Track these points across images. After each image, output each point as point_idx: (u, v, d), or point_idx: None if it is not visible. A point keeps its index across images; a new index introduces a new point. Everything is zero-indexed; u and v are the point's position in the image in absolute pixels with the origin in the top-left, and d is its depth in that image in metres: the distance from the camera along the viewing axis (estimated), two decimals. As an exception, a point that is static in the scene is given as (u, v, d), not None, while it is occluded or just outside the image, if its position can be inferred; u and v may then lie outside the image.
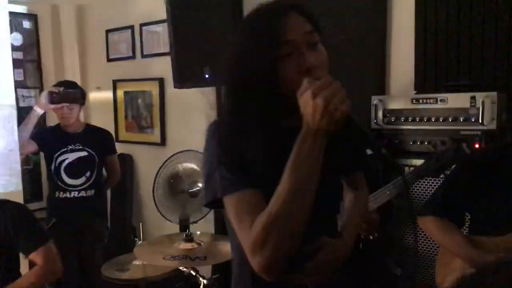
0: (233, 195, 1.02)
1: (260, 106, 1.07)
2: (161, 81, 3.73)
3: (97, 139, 3.23)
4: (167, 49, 3.53)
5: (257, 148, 1.05)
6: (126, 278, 2.22)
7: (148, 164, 3.89)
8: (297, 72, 1.02)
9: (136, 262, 2.34)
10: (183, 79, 2.99)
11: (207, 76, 2.86)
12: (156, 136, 3.86)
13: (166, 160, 3.16)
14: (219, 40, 2.80)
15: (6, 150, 2.87)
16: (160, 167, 3.14)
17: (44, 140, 3.13)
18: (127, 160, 4.02)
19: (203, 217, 3.06)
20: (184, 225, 3.04)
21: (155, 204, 3.15)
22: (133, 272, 2.26)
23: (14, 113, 2.92)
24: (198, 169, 3.13)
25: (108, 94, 4.17)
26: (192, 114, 3.56)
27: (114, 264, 2.40)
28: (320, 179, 0.99)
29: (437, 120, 2.11)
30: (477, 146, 1.95)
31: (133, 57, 3.94)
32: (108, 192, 3.68)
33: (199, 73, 2.89)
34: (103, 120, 3.92)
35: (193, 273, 2.01)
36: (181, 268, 2.03)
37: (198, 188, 3.11)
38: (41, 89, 4.13)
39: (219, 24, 2.79)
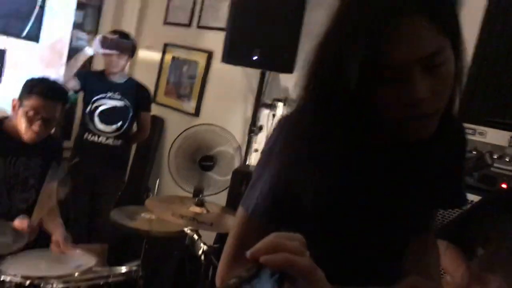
0: (247, 212, 0.89)
1: (343, 123, 0.82)
2: (209, 54, 3.79)
3: (136, 93, 3.31)
4: (223, 25, 3.61)
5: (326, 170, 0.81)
6: (132, 226, 2.28)
7: (177, 131, 3.94)
8: (398, 104, 0.77)
9: (145, 215, 2.40)
10: (232, 55, 3.04)
11: (255, 58, 2.90)
12: (191, 106, 3.93)
13: (191, 127, 3.22)
14: (275, 25, 2.84)
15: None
16: (183, 132, 3.20)
17: (87, 82, 3.22)
18: (158, 123, 4.10)
19: (217, 193, 3.11)
20: (196, 195, 3.09)
21: (169, 167, 3.22)
22: (140, 223, 2.32)
23: (66, 49, 3.04)
24: (222, 148, 3.19)
25: (156, 55, 4.26)
26: (231, 93, 3.61)
27: (124, 211, 2.47)
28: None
29: (470, 151, 2.09)
30: (504, 186, 1.93)
31: (188, 25, 4.01)
32: (133, 148, 3.77)
33: (248, 53, 2.93)
34: (145, 79, 3.99)
35: (196, 237, 2.05)
36: (185, 229, 2.08)
37: (212, 163, 3.17)
38: (95, 35, 4.25)
39: (279, 8, 2.83)
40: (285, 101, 3.08)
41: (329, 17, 0.81)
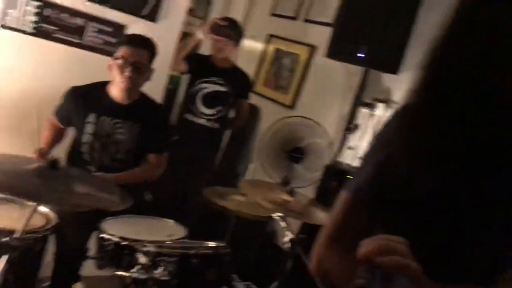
0: (351, 193, 0.92)
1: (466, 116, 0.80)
2: (312, 49, 3.79)
3: (238, 80, 3.41)
4: (329, 20, 3.59)
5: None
6: (222, 205, 2.35)
7: (271, 122, 4.01)
8: None
9: (236, 197, 2.48)
10: (337, 51, 3.02)
11: (360, 55, 2.86)
12: (288, 99, 3.96)
13: (285, 117, 3.26)
14: (386, 23, 2.78)
15: (160, 61, 3.13)
16: (278, 121, 3.24)
17: (194, 65, 3.37)
18: (254, 111, 4.17)
19: (305, 186, 3.12)
20: (284, 185, 3.12)
21: (259, 155, 3.28)
22: (230, 203, 2.40)
23: (178, 32, 3.19)
24: (313, 142, 3.19)
25: (259, 46, 4.34)
26: (329, 88, 3.59)
27: (216, 190, 2.56)
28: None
29: None
30: None
31: (295, 18, 4.04)
32: (227, 133, 3.88)
33: (354, 50, 2.90)
34: (246, 68, 4.07)
35: (282, 224, 2.07)
36: (274, 215, 2.11)
37: (302, 156, 3.19)
38: (204, 21, 4.42)
39: (392, 6, 2.76)
40: (386, 102, 3.00)
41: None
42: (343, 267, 0.87)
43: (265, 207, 2.06)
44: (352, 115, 3.18)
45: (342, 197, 0.94)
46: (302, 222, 2.75)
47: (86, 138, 2.45)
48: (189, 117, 3.39)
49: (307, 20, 3.94)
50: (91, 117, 2.44)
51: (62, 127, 2.57)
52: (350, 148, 3.08)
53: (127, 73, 2.37)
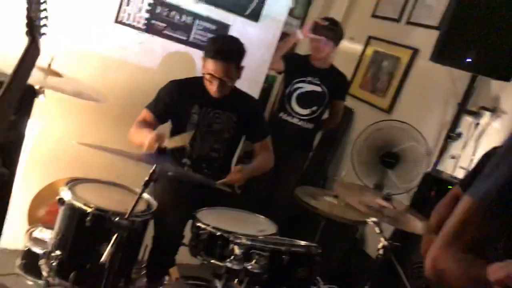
0: (475, 199, 0.93)
1: None
2: (414, 52, 3.66)
3: (335, 81, 3.38)
4: (435, 23, 3.45)
5: None
6: (314, 205, 2.35)
7: (365, 125, 3.93)
8: None
9: (327, 198, 2.46)
10: (443, 55, 2.89)
11: (469, 60, 2.71)
12: (385, 102, 3.86)
13: (382, 121, 3.18)
14: (498, 28, 2.61)
15: (260, 60, 3.20)
16: (374, 124, 3.18)
17: (291, 64, 3.39)
18: (348, 114, 4.12)
19: (400, 193, 3.02)
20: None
21: (352, 158, 3.23)
22: (321, 204, 2.39)
23: (279, 31, 3.23)
24: (410, 148, 3.08)
25: (358, 47, 4.27)
26: (431, 94, 3.45)
27: (307, 190, 2.56)
28: None
29: None
30: None
31: (397, 20, 3.92)
32: (319, 134, 3.87)
33: (461, 54, 2.76)
34: (343, 70, 4.03)
35: (377, 230, 2.03)
36: (368, 220, 2.07)
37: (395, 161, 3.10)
38: (303, 21, 4.44)
39: (507, 10, 2.59)
40: (493, 110, 2.83)
41: None
42: (459, 268, 0.89)
43: (360, 211, 2.02)
44: (455, 123, 3.03)
45: (466, 201, 0.95)
46: (395, 229, 2.67)
47: (189, 128, 2.56)
48: (283, 116, 3.42)
49: (409, 22, 3.81)
50: (195, 108, 2.55)
51: (152, 122, 2.58)
52: (453, 157, 2.93)
53: (214, 87, 2.46)
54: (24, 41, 1.23)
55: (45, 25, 1.20)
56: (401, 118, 3.32)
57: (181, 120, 2.59)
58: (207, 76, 2.45)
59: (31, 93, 1.66)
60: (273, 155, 2.71)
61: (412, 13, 3.80)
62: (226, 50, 2.46)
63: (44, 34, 1.20)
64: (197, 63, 2.94)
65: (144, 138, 2.24)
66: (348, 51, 4.34)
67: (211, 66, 2.43)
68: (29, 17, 1.13)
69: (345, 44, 4.39)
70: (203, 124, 2.57)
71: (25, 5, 1.12)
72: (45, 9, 1.20)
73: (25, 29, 1.14)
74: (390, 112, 3.76)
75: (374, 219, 2.01)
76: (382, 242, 1.99)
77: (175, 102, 2.57)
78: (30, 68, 1.17)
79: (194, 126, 2.56)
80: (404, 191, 3.02)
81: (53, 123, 2.77)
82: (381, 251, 1.99)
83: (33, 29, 1.15)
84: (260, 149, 2.71)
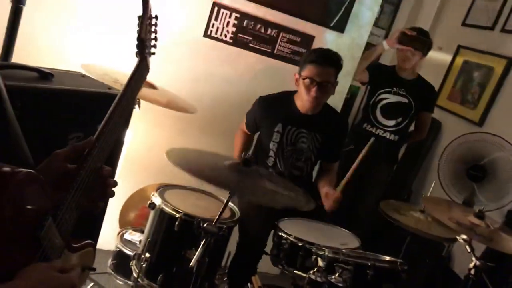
0: None
1: None
2: (509, 62, 3.45)
3: (422, 92, 3.27)
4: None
5: None
6: (398, 219, 2.29)
7: (454, 138, 3.76)
8: None
9: (413, 213, 2.38)
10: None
11: None
12: (475, 115, 3.66)
13: (469, 133, 3.03)
14: None
15: (344, 71, 3.16)
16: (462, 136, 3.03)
17: (376, 75, 3.32)
18: (434, 126, 3.96)
19: (491, 210, 2.85)
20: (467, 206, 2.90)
21: (438, 176, 3.10)
22: (407, 219, 2.31)
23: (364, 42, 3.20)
24: (502, 160, 2.90)
25: (446, 57, 4.10)
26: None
27: (392, 204, 2.50)
28: None
29: None
30: None
31: (491, 28, 3.72)
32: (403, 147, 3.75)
33: None
34: (429, 80, 3.89)
35: (468, 249, 1.93)
36: (458, 238, 1.98)
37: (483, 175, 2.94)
38: (388, 31, 4.35)
39: None
40: None
41: None
42: None
43: (449, 228, 1.93)
44: (555, 137, 2.81)
45: None
46: (486, 248, 2.52)
47: (271, 145, 2.60)
48: (367, 127, 3.36)
49: (504, 30, 3.60)
50: (278, 127, 2.57)
51: (249, 134, 2.78)
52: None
53: (313, 93, 2.44)
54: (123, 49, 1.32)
55: (154, 45, 1.29)
56: (493, 131, 3.14)
57: (264, 136, 2.64)
58: (306, 82, 2.44)
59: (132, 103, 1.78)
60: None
61: (508, 20, 3.59)
62: (328, 55, 2.49)
63: (153, 53, 1.28)
64: (281, 75, 2.99)
65: None
66: (436, 61, 4.18)
67: (312, 70, 2.43)
68: (140, 39, 1.22)
69: (432, 53, 4.25)
70: (286, 143, 2.59)
71: (137, 28, 1.21)
72: (155, 31, 1.28)
73: (135, 49, 1.23)
74: (481, 125, 3.57)
75: (464, 236, 1.91)
76: (474, 261, 1.88)
77: (259, 118, 2.63)
78: (139, 85, 1.25)
79: (276, 144, 2.59)
80: (495, 208, 2.84)
81: (145, 132, 2.94)
82: (472, 271, 1.88)
83: (144, 49, 1.23)
84: (332, 169, 2.73)
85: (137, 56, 1.25)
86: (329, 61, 2.46)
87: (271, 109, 2.60)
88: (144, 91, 2.33)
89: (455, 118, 3.86)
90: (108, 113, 1.10)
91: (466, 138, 3.11)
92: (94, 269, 1.19)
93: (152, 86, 2.44)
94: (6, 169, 0.79)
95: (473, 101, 3.73)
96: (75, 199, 0.98)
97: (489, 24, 3.74)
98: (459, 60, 3.97)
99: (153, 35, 1.28)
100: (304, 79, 2.46)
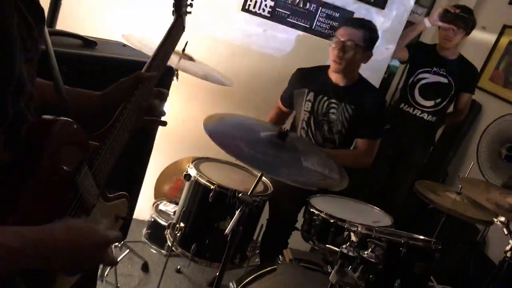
0: None
1: None
2: (558, 43, 3.31)
3: (463, 73, 3.18)
4: None
5: None
6: (433, 199, 2.26)
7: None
8: None
9: (449, 194, 2.35)
10: None
11: None
12: (519, 97, 3.55)
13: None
14: None
15: (384, 48, 3.11)
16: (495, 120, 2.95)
17: (416, 53, 3.24)
18: (474, 108, 3.85)
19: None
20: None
21: (477, 158, 3.02)
22: (443, 199, 2.28)
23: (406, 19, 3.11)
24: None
25: (489, 37, 3.96)
26: None
27: (428, 185, 2.46)
28: None
29: None
30: None
31: (540, 7, 3.57)
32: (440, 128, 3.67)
33: None
34: (471, 61, 3.77)
35: (505, 231, 1.89)
36: (496, 220, 1.94)
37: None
38: (430, 10, 4.22)
39: None
40: None
41: None
42: None
43: (487, 209, 1.90)
44: None
45: None
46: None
47: (303, 115, 2.59)
48: (405, 107, 3.30)
49: (555, 10, 3.45)
50: (310, 95, 2.56)
51: (285, 111, 2.76)
52: None
53: (335, 51, 2.42)
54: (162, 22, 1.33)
55: (191, 4, 1.30)
56: (538, 115, 3.04)
57: (297, 106, 2.63)
58: (333, 45, 2.43)
59: (170, 74, 1.80)
60: (368, 160, 2.60)
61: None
62: (359, 19, 2.59)
63: (189, 12, 1.30)
64: (319, 50, 2.95)
65: None
66: (479, 41, 4.04)
67: (338, 32, 2.46)
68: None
69: (475, 33, 4.10)
70: (317, 113, 2.57)
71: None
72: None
73: (171, 8, 1.24)
74: (524, 108, 3.45)
75: (502, 218, 1.88)
76: (511, 244, 1.85)
77: (294, 89, 2.62)
78: (174, 44, 1.27)
79: (308, 113, 2.57)
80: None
81: (181, 104, 2.97)
82: (509, 254, 1.85)
83: (180, 7, 1.25)
84: (362, 147, 2.61)
85: (173, 15, 1.27)
86: (358, 23, 2.47)
87: (306, 78, 2.59)
88: (182, 63, 2.35)
89: (496, 101, 3.74)
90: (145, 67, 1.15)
91: (506, 118, 3.02)
92: (126, 218, 1.23)
93: (190, 58, 2.46)
94: (47, 116, 0.82)
95: (518, 84, 3.61)
96: (113, 145, 1.02)
97: (539, 3, 3.58)
98: (504, 41, 3.83)
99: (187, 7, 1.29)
100: (334, 42, 2.44)
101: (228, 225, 1.59)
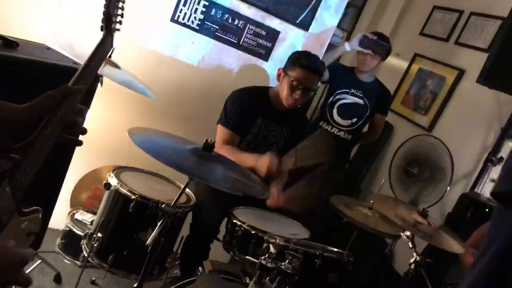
0: None
1: None
2: (460, 73, 3.65)
3: (379, 95, 3.39)
4: (483, 45, 3.43)
5: None
6: (348, 214, 2.38)
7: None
8: None
9: (362, 209, 2.48)
10: (491, 78, 2.87)
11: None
12: (425, 121, 3.85)
13: (419, 135, 3.18)
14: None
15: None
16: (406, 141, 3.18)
17: (335, 74, 3.41)
18: (387, 128, 4.12)
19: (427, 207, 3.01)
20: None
21: (389, 176, 3.24)
22: (355, 214, 2.41)
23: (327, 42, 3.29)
24: (444, 163, 3.08)
25: (402, 64, 4.27)
26: (474, 116, 3.42)
27: (342, 199, 2.59)
28: None
29: None
30: None
31: (446, 40, 3.91)
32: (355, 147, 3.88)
33: (509, 78, 2.74)
34: (386, 85, 4.04)
35: (410, 244, 2.05)
36: (402, 234, 2.09)
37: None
38: (350, 33, 4.47)
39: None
40: (538, 138, 2.80)
41: None
42: None
43: (395, 224, 2.04)
44: (496, 147, 3.00)
45: None
46: (426, 247, 2.67)
47: (247, 137, 2.66)
48: (323, 125, 3.45)
49: (458, 43, 3.80)
50: (259, 119, 2.65)
51: (235, 137, 2.62)
52: (491, 180, 2.92)
53: (297, 96, 2.54)
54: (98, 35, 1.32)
55: (120, 21, 1.29)
56: (441, 138, 3.31)
57: (244, 130, 2.66)
58: (294, 84, 2.53)
59: (94, 80, 1.76)
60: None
61: (462, 34, 3.78)
62: (318, 63, 2.63)
63: (118, 30, 1.29)
64: (246, 66, 3.03)
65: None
66: (393, 67, 4.34)
67: (301, 74, 2.53)
68: (106, 13, 1.23)
69: (390, 59, 4.41)
70: (260, 136, 2.68)
71: (104, 2, 1.22)
72: (122, 7, 1.29)
73: (101, 24, 1.24)
74: (431, 131, 3.75)
75: (408, 233, 2.03)
76: (415, 256, 2.00)
77: (239, 112, 2.62)
78: (102, 59, 1.26)
79: (253, 137, 2.66)
80: (430, 205, 3.02)
81: (104, 111, 2.90)
82: (412, 266, 2.00)
83: (109, 24, 1.24)
84: None
85: (102, 30, 1.26)
86: (318, 69, 2.59)
87: (253, 102, 2.65)
88: (107, 69, 2.31)
89: (406, 123, 4.03)
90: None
91: (416, 139, 3.27)
92: (38, 235, 1.19)
93: (116, 66, 2.42)
94: None
95: (424, 108, 3.91)
96: (34, 158, 0.99)
97: (444, 36, 3.92)
98: (415, 68, 4.15)
99: (119, 11, 1.29)
100: (292, 80, 2.53)
101: (149, 236, 1.58)
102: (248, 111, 2.64)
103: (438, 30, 4.03)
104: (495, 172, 2.96)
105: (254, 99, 2.66)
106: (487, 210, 2.60)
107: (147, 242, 1.55)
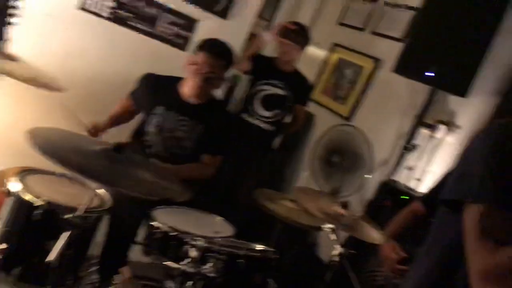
0: (485, 206, 0.94)
1: None
2: (377, 62, 3.73)
3: (299, 85, 3.40)
4: (398, 35, 3.53)
5: None
6: (270, 207, 2.35)
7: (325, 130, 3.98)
8: None
9: (285, 202, 2.46)
10: (405, 67, 2.96)
11: (430, 74, 2.78)
12: (345, 110, 3.91)
13: (339, 125, 3.23)
14: (460, 45, 2.70)
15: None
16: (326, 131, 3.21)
17: (257, 65, 3.37)
18: (308, 119, 4.15)
19: (348, 196, 3.07)
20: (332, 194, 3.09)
21: (311, 167, 3.26)
22: (279, 208, 2.38)
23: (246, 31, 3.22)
24: (363, 152, 3.15)
25: (322, 53, 4.31)
26: (390, 105, 3.51)
27: (266, 193, 2.56)
28: None
29: None
30: None
31: (363, 29, 3.99)
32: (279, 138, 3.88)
33: (423, 68, 2.83)
34: (306, 75, 4.06)
35: (332, 237, 2.05)
36: (324, 226, 2.09)
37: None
38: (269, 23, 4.44)
39: (468, 28, 2.68)
40: (448, 124, 2.91)
41: None
42: None
43: (316, 217, 2.03)
44: (412, 134, 3.10)
45: (472, 212, 0.96)
46: (348, 236, 2.70)
47: (150, 127, 2.49)
48: (245, 116, 3.41)
49: (374, 33, 3.88)
50: (159, 110, 2.47)
51: (134, 109, 2.58)
52: (409, 168, 3.01)
53: (198, 80, 2.38)
54: None
55: (14, 14, 1.14)
56: (359, 126, 3.37)
57: (144, 116, 2.52)
58: (192, 68, 2.37)
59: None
60: (211, 172, 2.58)
61: (378, 24, 3.86)
62: (221, 47, 2.44)
63: (10, 23, 1.14)
64: (162, 56, 2.89)
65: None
66: (313, 57, 4.37)
67: (201, 58, 2.36)
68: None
69: (310, 49, 4.43)
70: (165, 128, 2.49)
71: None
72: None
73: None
74: (350, 120, 3.81)
75: (330, 226, 2.03)
76: (338, 249, 2.00)
77: (144, 95, 2.49)
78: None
79: (154, 127, 2.49)
80: (351, 194, 3.08)
81: (6, 108, 2.65)
82: (336, 258, 2.00)
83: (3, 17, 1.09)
84: (207, 161, 2.57)
85: None
86: (221, 53, 2.42)
87: (155, 89, 2.49)
88: (2, 63, 2.08)
89: (327, 112, 4.08)
90: None
91: (336, 128, 3.31)
92: None
93: (12, 58, 2.18)
94: None
95: (344, 97, 3.97)
96: None
97: (361, 26, 4.00)
98: (334, 57, 4.20)
99: (12, 3, 1.13)
100: (192, 64, 2.39)
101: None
102: (147, 97, 2.49)
103: (355, 20, 4.10)
104: (410, 159, 3.06)
105: (159, 86, 2.50)
106: (403, 197, 2.68)
107: (48, 259, 1.40)
